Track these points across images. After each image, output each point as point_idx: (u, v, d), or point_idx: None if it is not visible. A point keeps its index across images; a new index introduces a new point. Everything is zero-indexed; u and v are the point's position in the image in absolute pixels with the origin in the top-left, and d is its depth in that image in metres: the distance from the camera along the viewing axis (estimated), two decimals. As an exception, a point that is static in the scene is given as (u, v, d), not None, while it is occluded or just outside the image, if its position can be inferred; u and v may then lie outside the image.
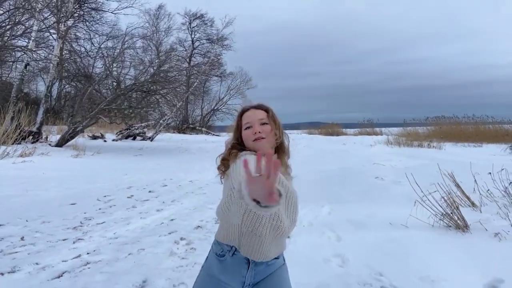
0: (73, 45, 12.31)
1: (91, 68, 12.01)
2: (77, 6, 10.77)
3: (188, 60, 22.26)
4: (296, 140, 14.47)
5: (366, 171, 6.49)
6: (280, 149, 1.30)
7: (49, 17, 10.24)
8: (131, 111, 10.30)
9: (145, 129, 14.25)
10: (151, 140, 13.66)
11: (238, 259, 1.10)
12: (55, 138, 9.77)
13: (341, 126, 21.99)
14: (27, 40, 9.80)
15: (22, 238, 2.78)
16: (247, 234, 1.08)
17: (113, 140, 12.61)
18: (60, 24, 9.93)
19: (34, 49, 9.45)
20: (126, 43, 12.35)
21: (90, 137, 11.98)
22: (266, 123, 1.24)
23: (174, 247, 2.69)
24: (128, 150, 9.99)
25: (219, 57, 22.31)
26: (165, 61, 11.74)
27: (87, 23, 11.80)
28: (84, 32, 12.25)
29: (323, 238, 2.90)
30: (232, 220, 1.10)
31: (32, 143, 8.30)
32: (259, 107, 1.28)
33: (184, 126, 21.75)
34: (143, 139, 13.60)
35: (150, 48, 20.85)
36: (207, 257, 1.22)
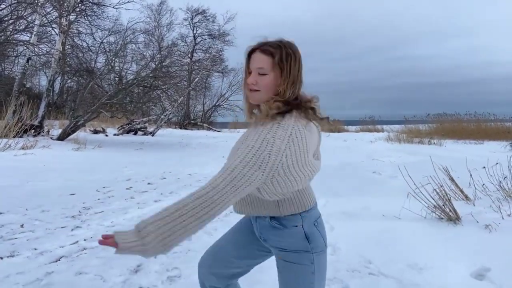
0: (75, 40, 12.38)
1: (93, 63, 12.07)
2: (79, 0, 10.81)
3: (190, 55, 22.29)
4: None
5: (365, 166, 6.53)
6: (297, 107, 1.02)
7: (51, 11, 10.30)
8: (132, 105, 10.37)
9: (147, 124, 14.31)
10: (152, 135, 13.73)
11: None
12: (56, 132, 9.86)
13: (343, 123, 21.96)
14: (29, 35, 9.87)
15: (21, 226, 2.84)
16: None
17: (115, 134, 12.69)
18: (62, 19, 9.98)
19: (36, 44, 9.51)
20: (128, 38, 12.41)
21: (92, 131, 12.07)
22: (265, 74, 1.02)
23: (170, 235, 2.74)
24: (129, 144, 10.07)
25: (220, 53, 22.32)
26: (166, 56, 11.78)
27: (89, 17, 11.85)
28: (86, 26, 12.30)
29: (316, 229, 2.95)
30: None
31: (34, 136, 8.38)
32: (265, 50, 1.02)
33: (186, 122, 21.81)
34: (145, 134, 13.67)
35: (152, 43, 20.87)
36: None
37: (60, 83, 17.49)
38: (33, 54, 9.62)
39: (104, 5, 11.60)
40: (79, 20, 12.04)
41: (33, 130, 8.68)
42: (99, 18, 12.29)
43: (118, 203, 3.66)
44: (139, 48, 15.73)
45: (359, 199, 3.93)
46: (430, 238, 2.60)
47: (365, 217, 3.21)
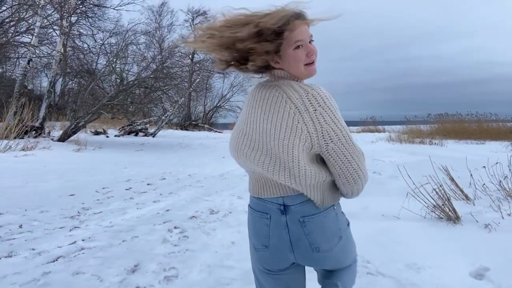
0: (76, 41, 12.42)
1: (95, 64, 12.11)
2: (80, 2, 10.84)
3: (191, 56, 22.31)
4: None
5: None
6: None
7: (52, 13, 10.34)
8: (133, 107, 10.38)
9: (147, 125, 14.33)
10: (153, 136, 13.75)
11: None
12: (57, 133, 9.88)
13: (344, 123, 21.87)
14: (30, 37, 9.91)
15: (20, 226, 2.85)
16: None
17: (115, 135, 12.71)
18: (63, 21, 10.02)
19: (37, 45, 9.54)
20: (129, 39, 12.43)
21: (93, 132, 12.09)
22: (313, 40, 0.98)
23: (168, 235, 2.74)
24: (129, 145, 10.08)
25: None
26: (167, 57, 11.79)
27: (89, 19, 11.89)
28: (87, 28, 12.34)
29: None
30: None
31: (35, 137, 8.40)
32: (303, 17, 0.96)
33: (187, 123, 21.83)
34: (145, 135, 13.69)
35: (153, 44, 20.92)
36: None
37: (62, 85, 17.52)
38: (34, 56, 9.65)
39: (105, 7, 11.64)
40: (80, 22, 12.08)
41: (34, 132, 8.71)
42: (100, 20, 12.35)
43: (117, 204, 3.66)
44: (140, 49, 15.76)
45: (358, 199, 3.84)
46: (429, 237, 2.59)
47: (365, 217, 3.19)
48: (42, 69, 12.92)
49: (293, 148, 0.91)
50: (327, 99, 0.93)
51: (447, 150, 9.51)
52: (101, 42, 12.82)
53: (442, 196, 3.00)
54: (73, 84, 15.83)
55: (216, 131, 20.82)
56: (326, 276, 1.11)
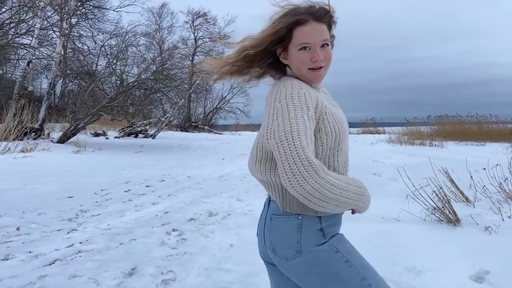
0: (76, 43, 12.43)
1: (95, 65, 12.12)
2: (80, 4, 10.85)
3: (191, 58, 22.33)
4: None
5: (365, 168, 6.49)
6: None
7: (52, 15, 10.35)
8: (133, 108, 10.38)
9: (147, 127, 14.32)
10: (153, 138, 13.74)
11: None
12: (57, 135, 9.86)
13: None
14: (30, 38, 9.91)
15: (17, 229, 2.83)
16: None
17: (115, 137, 12.70)
18: (63, 22, 10.03)
19: (36, 47, 9.54)
20: (129, 40, 12.43)
21: (92, 134, 12.08)
22: (328, 44, 0.94)
23: (166, 237, 2.72)
24: (129, 147, 10.07)
25: (221, 56, 22.35)
26: (167, 59, 11.80)
27: (89, 21, 11.90)
28: (87, 29, 12.35)
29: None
30: None
31: (34, 139, 8.39)
32: (322, 17, 0.92)
33: (187, 124, 21.83)
34: (145, 137, 13.68)
35: (153, 46, 20.95)
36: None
37: (61, 86, 17.55)
38: (34, 57, 9.66)
39: (105, 8, 11.65)
40: (80, 23, 12.10)
41: (33, 133, 8.70)
42: (100, 21, 12.37)
43: (116, 206, 3.65)
44: (140, 51, 15.78)
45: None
46: (429, 240, 2.57)
47: (364, 219, 3.15)
48: (42, 70, 12.93)
49: (257, 144, 0.97)
50: (278, 93, 0.89)
51: (447, 151, 9.49)
52: (101, 43, 12.85)
53: (442, 198, 2.98)
54: (73, 86, 15.85)
55: (216, 133, 20.81)
56: None
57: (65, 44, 10.51)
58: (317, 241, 0.92)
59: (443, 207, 2.92)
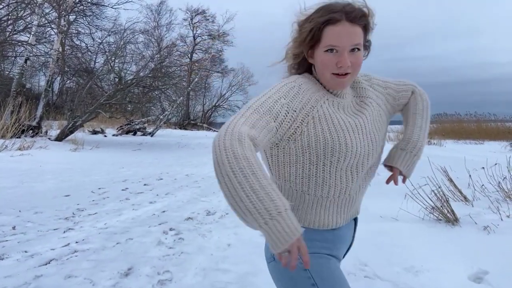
0: (74, 40, 12.35)
1: (93, 63, 12.07)
2: (77, 0, 10.78)
3: (189, 55, 22.27)
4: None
5: (363, 167, 6.48)
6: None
7: (50, 12, 10.27)
8: (132, 106, 10.34)
9: (146, 125, 14.29)
10: (151, 136, 13.71)
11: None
12: (55, 132, 9.83)
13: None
14: (28, 35, 9.84)
15: (13, 228, 2.81)
16: None
17: (113, 135, 12.67)
18: (61, 19, 9.95)
19: (34, 44, 9.48)
20: (127, 38, 12.38)
21: (90, 132, 12.05)
22: (359, 49, 0.84)
23: (163, 237, 2.70)
24: (127, 144, 10.04)
25: (220, 53, 22.32)
26: (166, 56, 11.75)
27: (87, 18, 11.82)
28: (85, 27, 12.27)
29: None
30: None
31: (32, 137, 8.35)
32: (356, 18, 0.82)
33: (185, 122, 21.80)
34: (144, 135, 13.65)
35: (151, 43, 20.87)
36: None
37: (59, 84, 17.46)
38: (31, 54, 9.59)
39: (103, 5, 11.57)
40: (78, 20, 12.02)
41: (31, 131, 8.65)
42: (98, 18, 12.28)
43: (113, 205, 3.63)
44: (138, 48, 15.70)
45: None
46: (427, 240, 2.56)
47: (362, 218, 3.13)
48: (39, 68, 12.87)
49: None
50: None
51: (446, 150, 9.50)
52: (99, 41, 12.78)
53: (440, 198, 2.97)
54: (71, 83, 15.78)
55: (214, 131, 20.78)
56: None
57: (63, 41, 10.43)
58: (270, 257, 0.92)
59: (441, 206, 2.91)
